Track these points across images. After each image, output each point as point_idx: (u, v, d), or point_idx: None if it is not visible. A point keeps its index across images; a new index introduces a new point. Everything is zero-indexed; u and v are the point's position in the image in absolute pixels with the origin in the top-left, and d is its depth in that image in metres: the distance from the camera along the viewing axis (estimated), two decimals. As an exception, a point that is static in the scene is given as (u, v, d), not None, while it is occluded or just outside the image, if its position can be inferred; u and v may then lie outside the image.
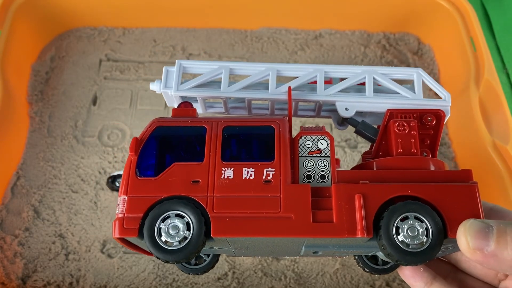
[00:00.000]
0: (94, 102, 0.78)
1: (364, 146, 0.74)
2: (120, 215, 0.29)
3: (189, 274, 0.36)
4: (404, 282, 0.61)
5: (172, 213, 0.28)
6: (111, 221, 0.65)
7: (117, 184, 0.66)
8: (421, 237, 0.27)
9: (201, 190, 0.29)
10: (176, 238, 0.28)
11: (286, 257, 0.63)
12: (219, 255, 0.36)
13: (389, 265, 0.35)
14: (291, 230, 0.27)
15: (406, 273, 0.33)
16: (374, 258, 0.36)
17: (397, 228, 0.27)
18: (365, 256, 0.36)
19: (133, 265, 0.62)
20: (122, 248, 0.63)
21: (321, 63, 0.83)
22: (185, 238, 0.28)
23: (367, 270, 0.36)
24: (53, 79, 0.79)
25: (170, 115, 0.82)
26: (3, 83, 0.67)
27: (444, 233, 0.27)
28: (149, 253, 0.31)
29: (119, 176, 0.66)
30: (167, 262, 0.28)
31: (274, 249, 0.33)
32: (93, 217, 0.66)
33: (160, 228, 0.28)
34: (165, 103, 0.77)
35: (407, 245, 0.27)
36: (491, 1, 0.94)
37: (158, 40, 0.84)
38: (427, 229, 0.27)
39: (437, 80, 0.83)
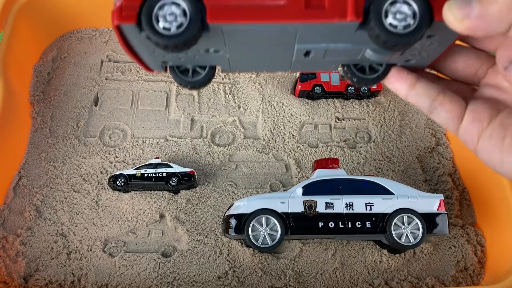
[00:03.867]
0: (96, 102, 0.78)
1: (363, 146, 0.75)
2: (118, 4, 0.28)
3: (187, 87, 0.36)
4: (403, 281, 0.62)
5: (168, 0, 0.28)
6: (113, 220, 0.66)
7: (119, 184, 0.67)
8: (408, 19, 0.28)
9: None
10: (174, 24, 0.28)
11: (285, 256, 0.63)
12: (214, 68, 0.36)
13: (376, 74, 0.35)
14: (284, 15, 0.28)
15: (391, 79, 0.34)
16: (361, 70, 0.36)
17: (386, 12, 0.28)
18: (354, 66, 0.36)
19: (134, 264, 0.62)
20: (123, 247, 0.64)
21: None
22: (181, 24, 0.28)
23: (355, 79, 0.36)
24: (54, 80, 0.80)
25: (170, 116, 0.82)
26: (5, 84, 0.68)
27: (430, 16, 0.28)
28: (141, 63, 0.32)
29: (120, 175, 0.67)
30: (166, 47, 0.29)
31: (267, 54, 0.33)
32: (95, 216, 0.66)
33: (157, 15, 0.28)
34: (166, 103, 0.78)
35: (395, 27, 0.28)
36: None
37: (159, 41, 0.85)
38: (414, 12, 0.28)
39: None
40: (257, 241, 0.58)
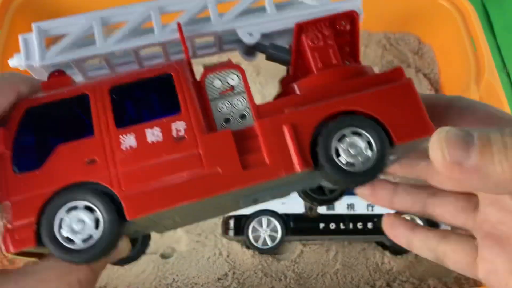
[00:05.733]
0: (94, 102, 0.77)
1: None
2: (9, 226, 0.23)
3: (123, 265, 0.32)
4: (405, 282, 0.62)
5: (71, 204, 0.23)
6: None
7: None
8: (365, 152, 0.24)
9: (100, 169, 0.24)
10: (85, 234, 0.23)
11: (286, 258, 0.63)
12: (149, 235, 0.31)
13: (338, 191, 0.33)
14: (222, 185, 0.24)
15: (365, 193, 0.30)
16: (320, 190, 0.33)
17: (337, 150, 0.24)
18: (310, 190, 0.32)
19: (133, 266, 0.62)
20: (122, 249, 0.63)
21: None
22: (91, 236, 0.23)
23: (315, 203, 0.33)
24: (53, 79, 0.79)
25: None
26: (3, 83, 0.67)
27: (389, 140, 0.24)
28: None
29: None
30: (88, 262, 0.23)
31: (210, 211, 0.29)
32: (93, 217, 0.66)
33: (60, 228, 0.23)
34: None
35: (352, 164, 0.24)
36: (491, 0, 0.94)
37: (158, 40, 0.84)
38: (369, 142, 0.24)
39: (437, 80, 0.83)
40: (257, 242, 0.58)
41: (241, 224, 0.58)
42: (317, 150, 0.24)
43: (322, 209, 0.58)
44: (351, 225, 0.57)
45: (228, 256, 0.63)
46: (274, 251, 0.62)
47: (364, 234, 0.57)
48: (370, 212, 0.58)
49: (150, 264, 0.62)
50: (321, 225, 0.57)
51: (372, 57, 0.84)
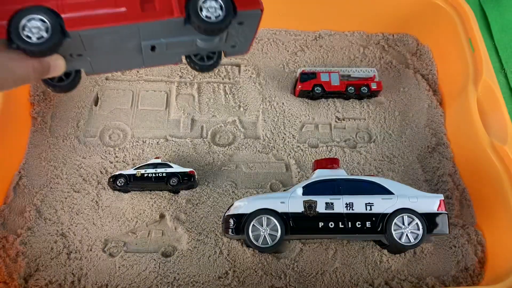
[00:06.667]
0: (96, 102, 0.78)
1: (363, 146, 0.75)
2: None
3: (55, 91, 0.42)
4: (403, 281, 0.62)
5: (31, 16, 0.35)
6: (113, 220, 0.66)
7: (119, 184, 0.66)
8: (218, 11, 0.37)
9: (50, 0, 0.36)
10: (39, 35, 0.35)
11: (285, 256, 0.63)
12: (80, 72, 0.43)
13: (212, 61, 0.44)
14: (126, 18, 0.37)
15: None
16: (201, 59, 0.44)
17: (201, 8, 0.37)
18: (194, 56, 0.44)
19: (134, 264, 0.62)
20: (123, 247, 0.64)
21: (320, 64, 0.84)
22: (42, 36, 0.35)
23: (197, 68, 0.44)
24: (54, 80, 0.79)
25: (171, 116, 0.81)
26: (5, 84, 0.68)
27: (234, 7, 0.37)
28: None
29: (120, 175, 0.67)
30: (39, 54, 0.35)
31: (121, 54, 0.41)
32: (95, 216, 0.66)
33: (23, 30, 0.35)
34: (166, 103, 0.78)
35: (209, 18, 0.37)
36: (489, 2, 0.95)
37: (159, 41, 0.85)
38: (221, 6, 0.37)
39: (435, 80, 0.83)
40: (257, 241, 0.58)
41: (241, 223, 0.58)
42: (189, 7, 0.37)
43: (321, 208, 0.58)
44: (349, 224, 0.58)
45: (228, 254, 0.63)
46: (274, 250, 0.62)
47: (362, 233, 0.58)
48: (368, 211, 0.58)
49: (151, 262, 0.62)
50: (320, 224, 0.58)
51: (370, 58, 0.85)
